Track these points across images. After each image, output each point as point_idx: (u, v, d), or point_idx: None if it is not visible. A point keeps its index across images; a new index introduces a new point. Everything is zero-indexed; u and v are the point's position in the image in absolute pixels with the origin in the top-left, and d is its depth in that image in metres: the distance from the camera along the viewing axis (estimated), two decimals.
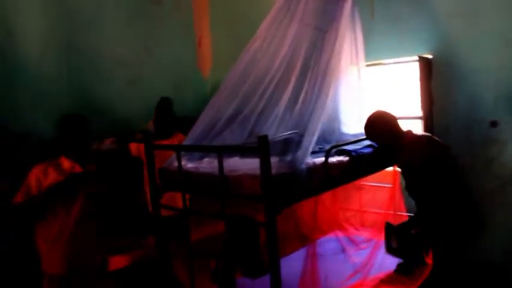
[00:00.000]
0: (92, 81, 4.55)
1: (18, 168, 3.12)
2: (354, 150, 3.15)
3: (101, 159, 3.44)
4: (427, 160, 3.07)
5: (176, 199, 3.45)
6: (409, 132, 3.25)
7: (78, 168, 2.99)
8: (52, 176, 2.90)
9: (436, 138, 3.25)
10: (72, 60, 4.45)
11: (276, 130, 3.28)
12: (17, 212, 2.86)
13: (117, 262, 3.89)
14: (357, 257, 3.77)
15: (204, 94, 5.31)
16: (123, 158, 4.02)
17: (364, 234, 4.21)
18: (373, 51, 4.11)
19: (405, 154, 3.19)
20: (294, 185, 2.56)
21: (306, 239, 3.82)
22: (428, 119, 3.91)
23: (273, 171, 2.40)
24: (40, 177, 2.89)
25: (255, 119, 3.26)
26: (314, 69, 3.40)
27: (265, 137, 2.36)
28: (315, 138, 2.86)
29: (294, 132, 3.37)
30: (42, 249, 2.97)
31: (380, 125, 3.23)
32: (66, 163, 2.99)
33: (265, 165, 2.33)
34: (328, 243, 4.15)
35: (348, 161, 3.04)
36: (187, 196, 3.13)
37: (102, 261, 3.41)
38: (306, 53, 3.53)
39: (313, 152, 3.02)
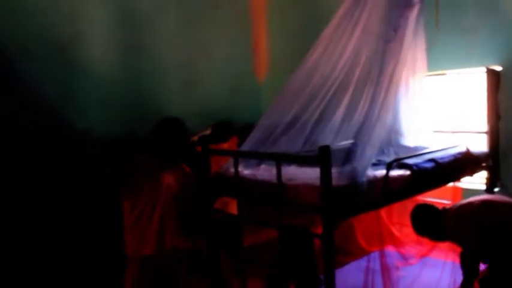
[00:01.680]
0: (149, 82, 4.62)
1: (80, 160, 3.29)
2: (416, 164, 3.03)
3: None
4: (479, 238, 2.88)
5: (228, 204, 3.46)
6: (450, 212, 3.10)
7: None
8: None
9: (492, 199, 3.08)
10: (131, 60, 4.54)
11: (333, 139, 3.21)
12: None
13: None
14: (406, 272, 3.63)
15: (258, 99, 5.31)
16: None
17: (417, 251, 4.05)
18: (436, 61, 3.98)
19: (455, 237, 3.06)
20: (354, 197, 2.48)
21: (360, 251, 3.74)
22: (494, 134, 3.73)
23: (333, 182, 2.34)
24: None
25: (312, 127, 3.21)
26: (375, 78, 3.32)
27: (327, 147, 2.31)
28: (376, 149, 2.78)
29: (352, 143, 3.29)
30: (131, 233, 2.96)
31: (422, 221, 3.18)
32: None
33: (325, 176, 2.27)
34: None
35: (409, 175, 2.93)
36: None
37: None
38: (367, 62, 3.45)
39: (373, 165, 2.94)
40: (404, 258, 4.00)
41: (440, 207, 3.21)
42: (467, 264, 3.00)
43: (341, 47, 3.33)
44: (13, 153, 3.27)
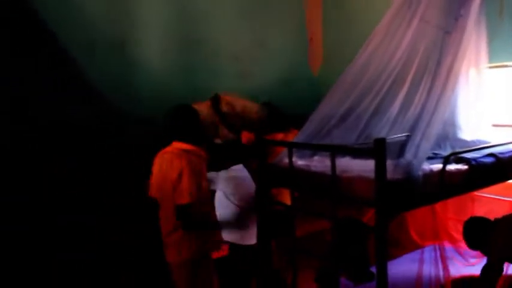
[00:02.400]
0: (204, 74, 4.72)
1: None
2: (474, 159, 2.95)
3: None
4: None
5: (280, 194, 3.51)
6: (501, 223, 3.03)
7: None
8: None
9: None
10: (187, 53, 4.66)
11: (388, 132, 3.16)
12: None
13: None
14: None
15: (313, 91, 5.28)
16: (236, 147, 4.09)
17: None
18: (498, 53, 3.82)
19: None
20: (409, 191, 2.45)
21: (412, 245, 3.69)
22: None
23: (388, 175, 2.33)
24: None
25: (367, 119, 3.18)
26: (433, 71, 3.24)
27: (382, 139, 2.29)
28: (432, 143, 2.73)
29: (407, 135, 3.23)
30: (172, 239, 2.92)
31: (474, 234, 3.16)
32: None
33: (381, 169, 2.27)
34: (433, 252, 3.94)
35: (466, 169, 2.85)
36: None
37: None
38: (425, 53, 3.36)
39: (428, 158, 2.89)
40: (462, 255, 3.89)
41: (492, 219, 3.14)
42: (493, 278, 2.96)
43: (398, 38, 3.26)
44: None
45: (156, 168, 2.95)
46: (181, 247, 2.86)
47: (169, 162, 2.86)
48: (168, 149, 2.95)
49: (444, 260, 3.33)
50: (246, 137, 4.07)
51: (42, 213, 3.30)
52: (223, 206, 3.53)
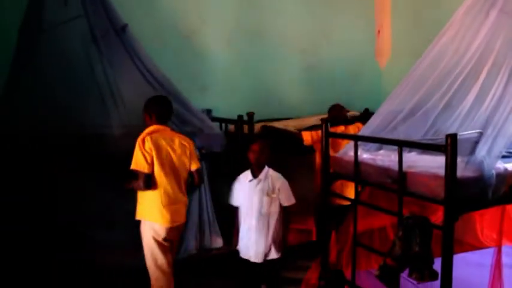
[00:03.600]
0: (271, 67, 4.76)
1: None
2: None
3: None
4: None
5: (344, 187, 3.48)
6: None
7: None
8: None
9: None
10: (254, 45, 4.72)
11: (458, 128, 3.05)
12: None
13: None
14: None
15: (379, 85, 5.20)
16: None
17: None
18: None
19: None
20: (481, 190, 2.36)
21: (478, 244, 3.54)
22: None
23: (458, 173, 2.25)
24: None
25: (436, 115, 3.07)
26: (511, 65, 3.08)
27: (454, 135, 2.22)
28: (508, 140, 2.60)
29: (479, 132, 3.10)
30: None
31: None
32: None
33: (451, 166, 2.20)
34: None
35: None
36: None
37: None
38: (503, 46, 3.20)
39: (503, 157, 2.75)
40: None
41: None
42: None
43: (474, 30, 3.12)
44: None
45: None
46: None
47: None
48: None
49: (498, 264, 3.15)
50: (307, 136, 4.08)
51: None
52: None
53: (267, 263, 3.18)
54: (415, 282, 2.55)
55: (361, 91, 4.99)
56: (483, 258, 3.42)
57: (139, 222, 3.17)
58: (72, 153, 3.34)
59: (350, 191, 3.10)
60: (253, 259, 3.17)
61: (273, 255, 3.17)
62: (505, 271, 3.17)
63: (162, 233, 3.09)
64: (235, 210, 3.27)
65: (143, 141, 3.01)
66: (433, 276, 2.37)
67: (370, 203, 2.95)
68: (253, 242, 3.15)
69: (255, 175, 3.18)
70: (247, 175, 3.23)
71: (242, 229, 3.22)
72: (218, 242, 4.05)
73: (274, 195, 3.14)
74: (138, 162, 3.00)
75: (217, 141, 3.96)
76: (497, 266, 2.99)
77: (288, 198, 3.17)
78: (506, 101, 2.85)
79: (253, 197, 3.16)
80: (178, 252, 3.58)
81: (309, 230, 4.60)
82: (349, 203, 3.09)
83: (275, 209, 3.15)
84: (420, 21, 4.94)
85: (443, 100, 3.07)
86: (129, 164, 3.01)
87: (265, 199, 3.14)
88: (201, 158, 3.62)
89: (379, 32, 5.35)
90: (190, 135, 3.43)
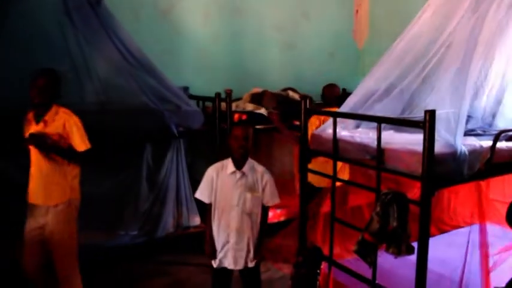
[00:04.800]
0: (249, 44, 4.71)
1: None
2: None
3: None
4: None
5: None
6: None
7: None
8: None
9: None
10: (231, 22, 4.65)
11: (433, 107, 3.09)
12: None
13: None
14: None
15: (357, 64, 5.22)
16: None
17: None
18: None
19: None
20: (456, 166, 2.40)
21: (454, 223, 3.61)
22: None
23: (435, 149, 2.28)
24: None
25: (412, 93, 3.10)
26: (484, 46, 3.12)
27: (433, 111, 2.24)
28: (480, 119, 2.65)
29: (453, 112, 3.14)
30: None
31: None
32: None
33: (429, 142, 2.22)
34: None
35: None
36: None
37: None
38: (475, 27, 3.23)
39: (477, 135, 2.81)
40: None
41: None
42: None
43: (450, 10, 3.14)
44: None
45: None
46: None
47: None
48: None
49: (484, 243, 3.24)
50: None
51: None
52: None
53: (247, 270, 2.85)
54: (392, 256, 2.60)
55: (339, 71, 5.00)
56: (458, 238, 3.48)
57: None
58: None
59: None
60: (231, 266, 2.81)
61: (252, 262, 2.84)
62: (470, 249, 3.28)
63: None
64: (208, 208, 2.84)
65: None
66: (409, 250, 2.42)
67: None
68: (231, 246, 2.79)
69: (238, 166, 2.77)
70: (227, 165, 2.79)
71: (217, 231, 2.81)
72: (195, 220, 4.07)
73: (259, 194, 2.80)
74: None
75: (195, 119, 3.93)
76: (483, 244, 3.05)
77: (272, 197, 2.85)
78: (481, 84, 2.91)
79: (233, 193, 2.77)
80: (156, 230, 3.55)
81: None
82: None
83: (258, 209, 2.83)
84: (398, 3, 4.96)
85: (419, 79, 3.10)
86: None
87: (249, 196, 2.77)
88: (179, 135, 3.57)
89: (357, 11, 5.35)
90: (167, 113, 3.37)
